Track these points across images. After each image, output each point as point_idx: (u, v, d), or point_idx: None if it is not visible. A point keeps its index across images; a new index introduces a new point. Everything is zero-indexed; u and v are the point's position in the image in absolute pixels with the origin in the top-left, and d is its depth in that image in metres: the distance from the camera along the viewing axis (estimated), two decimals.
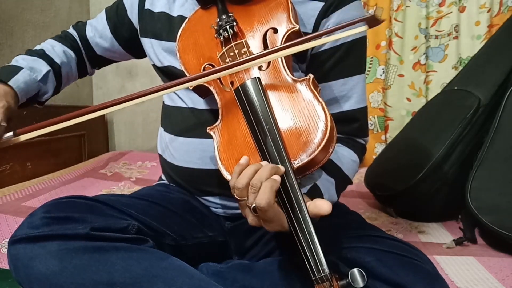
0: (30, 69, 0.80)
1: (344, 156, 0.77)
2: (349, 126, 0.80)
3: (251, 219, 0.57)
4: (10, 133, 0.65)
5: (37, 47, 0.89)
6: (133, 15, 0.89)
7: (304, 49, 0.64)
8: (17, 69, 0.78)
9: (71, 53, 0.92)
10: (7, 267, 0.61)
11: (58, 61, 0.87)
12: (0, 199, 1.39)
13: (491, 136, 1.21)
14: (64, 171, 1.83)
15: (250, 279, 0.69)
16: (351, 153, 0.79)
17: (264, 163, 0.57)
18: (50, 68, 0.84)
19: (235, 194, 0.57)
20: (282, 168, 0.56)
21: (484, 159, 1.19)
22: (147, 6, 0.87)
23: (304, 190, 0.67)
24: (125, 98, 0.63)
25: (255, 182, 0.54)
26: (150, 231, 0.68)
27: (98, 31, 0.93)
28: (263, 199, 0.53)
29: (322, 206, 0.55)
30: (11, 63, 0.82)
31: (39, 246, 0.56)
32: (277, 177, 0.54)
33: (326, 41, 0.68)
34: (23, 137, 0.65)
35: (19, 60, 0.83)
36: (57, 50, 0.89)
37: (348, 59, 0.78)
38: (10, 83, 0.74)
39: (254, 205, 0.54)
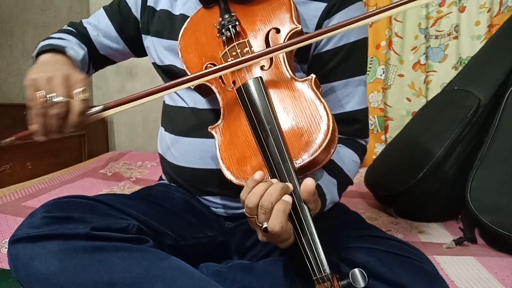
0: (71, 49, 0.76)
1: (345, 156, 0.77)
2: (351, 126, 0.80)
3: (260, 237, 0.56)
4: (100, 107, 0.62)
5: (55, 35, 0.84)
6: (137, 12, 0.87)
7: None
8: (62, 46, 0.74)
9: (83, 45, 0.87)
10: (7, 267, 0.61)
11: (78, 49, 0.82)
12: (0, 199, 1.39)
13: (491, 136, 1.21)
14: (64, 171, 1.83)
15: (250, 279, 0.69)
16: (352, 153, 0.79)
17: (275, 181, 0.56)
18: (84, 51, 0.80)
19: (245, 211, 0.57)
20: (291, 186, 0.55)
21: (484, 159, 1.19)
22: (149, 3, 0.86)
23: None
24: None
25: (266, 203, 0.53)
26: (150, 231, 0.67)
27: (101, 31, 0.90)
28: (276, 224, 0.52)
29: (307, 183, 0.54)
30: (47, 43, 0.76)
31: (39, 246, 0.56)
32: (288, 198, 0.53)
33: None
34: (110, 112, 0.62)
35: (53, 40, 0.77)
36: (72, 40, 0.85)
37: (350, 60, 0.78)
38: (68, 54, 0.70)
39: (265, 226, 0.53)
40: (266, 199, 0.53)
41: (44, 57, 0.70)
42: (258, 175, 0.56)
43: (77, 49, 0.79)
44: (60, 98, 0.58)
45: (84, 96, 0.60)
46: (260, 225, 0.53)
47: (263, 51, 0.63)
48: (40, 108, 0.58)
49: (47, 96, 0.58)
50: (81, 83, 0.61)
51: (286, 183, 0.56)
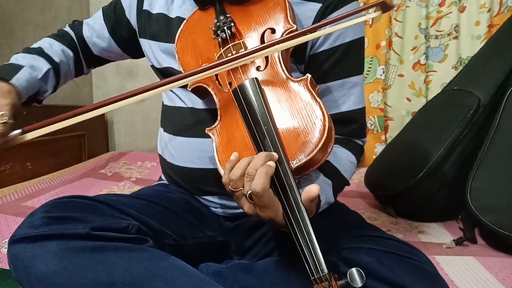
0: (31, 68, 0.79)
1: (341, 157, 0.77)
2: (348, 127, 0.80)
3: (247, 207, 0.58)
4: (18, 131, 0.64)
5: (35, 45, 0.89)
6: (131, 15, 0.89)
7: (304, 41, 0.64)
8: (18, 67, 0.78)
9: (69, 52, 0.91)
10: (7, 267, 0.61)
11: (57, 59, 0.87)
12: (0, 199, 1.39)
13: (491, 136, 1.21)
14: (64, 171, 1.83)
15: (250, 279, 0.69)
16: (349, 154, 0.79)
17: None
18: (50, 66, 0.84)
19: (229, 187, 0.58)
20: (275, 154, 0.57)
21: (484, 159, 1.19)
22: (145, 7, 0.87)
23: (301, 191, 0.67)
24: (125, 95, 0.62)
25: (251, 170, 0.55)
26: (150, 231, 0.68)
27: (95, 31, 0.93)
28: (258, 184, 0.54)
29: (311, 189, 0.55)
30: (10, 61, 0.81)
31: (39, 246, 0.56)
32: (271, 163, 0.56)
33: (328, 32, 0.66)
34: (30, 135, 0.64)
35: (19, 58, 0.82)
36: (55, 49, 0.88)
37: (346, 60, 0.78)
38: (12, 81, 0.74)
39: (249, 192, 0.55)
40: (251, 167, 0.56)
41: None
42: (233, 156, 0.59)
43: (40, 66, 0.82)
44: None
45: (3, 120, 0.63)
46: (246, 193, 0.56)
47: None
48: None
49: None
50: (1, 108, 0.65)
51: (271, 152, 0.58)
